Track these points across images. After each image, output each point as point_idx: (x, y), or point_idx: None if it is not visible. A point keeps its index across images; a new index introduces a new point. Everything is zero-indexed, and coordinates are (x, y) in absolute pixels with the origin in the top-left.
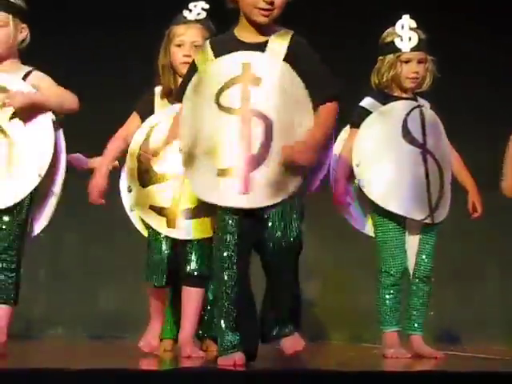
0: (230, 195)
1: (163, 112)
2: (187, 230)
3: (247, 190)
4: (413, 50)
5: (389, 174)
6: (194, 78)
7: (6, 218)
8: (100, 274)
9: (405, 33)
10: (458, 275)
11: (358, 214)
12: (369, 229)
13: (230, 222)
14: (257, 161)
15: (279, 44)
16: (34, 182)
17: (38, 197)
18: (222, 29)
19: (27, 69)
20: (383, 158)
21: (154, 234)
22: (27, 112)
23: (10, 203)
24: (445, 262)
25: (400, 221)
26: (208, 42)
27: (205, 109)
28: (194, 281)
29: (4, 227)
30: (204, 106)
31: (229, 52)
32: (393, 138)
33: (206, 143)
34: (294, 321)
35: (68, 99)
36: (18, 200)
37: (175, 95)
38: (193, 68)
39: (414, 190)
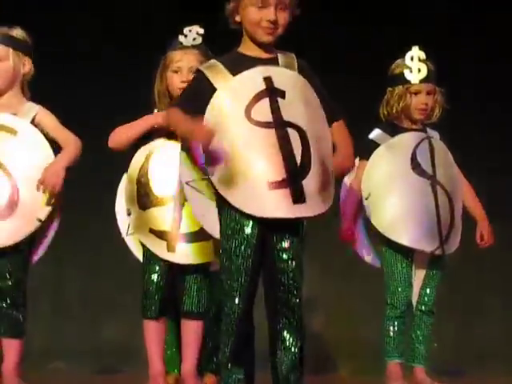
0: (287, 206)
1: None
2: (187, 254)
3: (304, 199)
4: (422, 81)
5: (398, 207)
6: (216, 100)
7: (11, 255)
8: (101, 307)
9: (414, 64)
10: (460, 308)
11: (365, 244)
12: (375, 259)
13: (243, 248)
14: (302, 170)
15: (290, 60)
16: (33, 226)
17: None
18: (216, 53)
19: (32, 107)
20: (393, 191)
21: (148, 264)
22: (31, 156)
23: (9, 243)
24: (447, 295)
25: (408, 254)
26: (216, 60)
27: (235, 127)
28: (193, 316)
29: (9, 264)
30: (233, 125)
31: (242, 68)
32: (402, 170)
33: (245, 159)
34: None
35: (73, 147)
36: (16, 241)
37: (176, 101)
38: (202, 82)
39: (423, 222)
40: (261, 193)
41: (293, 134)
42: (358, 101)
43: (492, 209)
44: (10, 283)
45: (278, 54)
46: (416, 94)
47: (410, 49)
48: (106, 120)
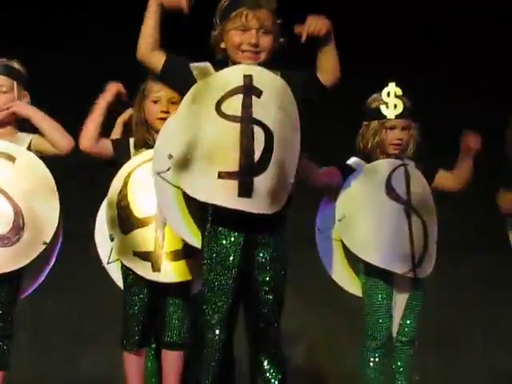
0: (231, 197)
1: (139, 157)
2: (172, 272)
3: (250, 195)
4: (397, 117)
5: (371, 229)
6: (193, 88)
7: (4, 285)
8: (82, 337)
9: (390, 100)
10: (443, 340)
11: (345, 275)
12: (357, 290)
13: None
14: (258, 168)
15: (273, 71)
16: (39, 249)
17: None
18: None
19: (26, 135)
20: (366, 213)
21: (128, 295)
22: (31, 181)
23: (11, 268)
24: (429, 327)
25: (389, 284)
26: (208, 63)
27: (204, 116)
28: (175, 346)
29: (1, 294)
30: (203, 114)
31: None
32: (376, 194)
33: (206, 148)
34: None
35: (61, 135)
36: (20, 266)
37: (158, 75)
38: (187, 69)
39: (396, 245)
40: (210, 180)
41: (258, 133)
42: (333, 134)
43: (477, 241)
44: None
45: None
46: (391, 129)
47: (386, 85)
48: None
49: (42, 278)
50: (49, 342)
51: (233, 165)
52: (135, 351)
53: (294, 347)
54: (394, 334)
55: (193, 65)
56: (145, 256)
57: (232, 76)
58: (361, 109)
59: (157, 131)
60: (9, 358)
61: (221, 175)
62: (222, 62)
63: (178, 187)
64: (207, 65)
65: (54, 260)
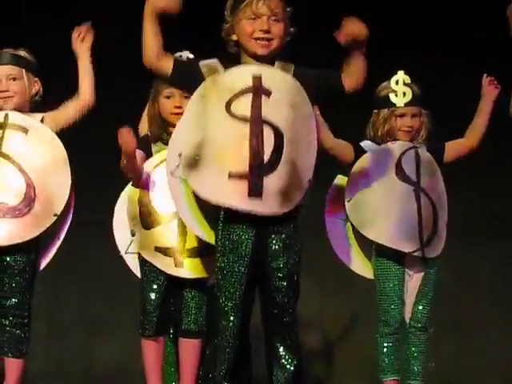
0: (242, 198)
1: (160, 154)
2: (194, 268)
3: (259, 195)
4: (407, 104)
5: (379, 209)
6: (202, 87)
7: (18, 274)
8: (99, 325)
9: (399, 88)
10: (459, 326)
11: (357, 259)
12: (369, 273)
13: (238, 266)
14: (268, 168)
15: (287, 67)
16: (50, 221)
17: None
18: None
19: (38, 115)
20: (375, 194)
21: (146, 282)
22: (43, 152)
23: (27, 238)
24: (445, 313)
25: (399, 269)
26: (216, 60)
27: (213, 115)
28: (192, 334)
29: (16, 279)
30: (212, 113)
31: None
32: (385, 175)
33: (215, 147)
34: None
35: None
36: (31, 237)
37: (168, 79)
38: (196, 68)
39: (403, 224)
40: (220, 181)
41: (268, 133)
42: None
43: (490, 226)
44: (15, 301)
45: (276, 62)
46: (401, 116)
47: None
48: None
49: (51, 253)
50: (65, 330)
51: (242, 165)
52: (153, 338)
53: (308, 333)
54: (407, 320)
55: (202, 63)
56: (166, 251)
57: (241, 76)
58: (371, 97)
59: (172, 126)
60: (27, 346)
61: (231, 176)
62: (230, 57)
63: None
64: (215, 61)
65: (64, 234)
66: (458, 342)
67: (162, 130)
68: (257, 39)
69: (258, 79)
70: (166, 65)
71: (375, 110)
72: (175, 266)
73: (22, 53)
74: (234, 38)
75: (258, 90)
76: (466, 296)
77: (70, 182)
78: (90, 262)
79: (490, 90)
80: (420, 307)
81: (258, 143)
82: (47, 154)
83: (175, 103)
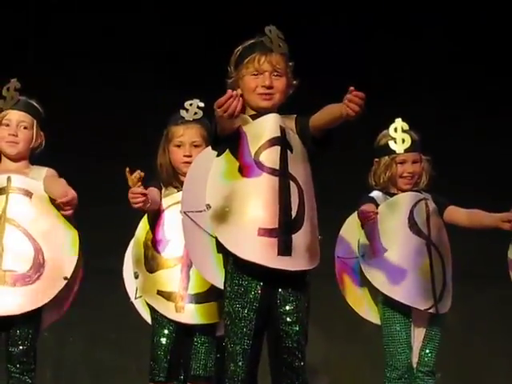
0: (271, 256)
1: (168, 199)
2: (195, 314)
3: (290, 253)
4: (406, 151)
5: (395, 264)
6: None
7: (24, 320)
8: (105, 372)
9: (398, 135)
10: (467, 372)
11: (365, 304)
12: (376, 318)
13: (247, 312)
14: (295, 225)
15: (291, 124)
16: (60, 284)
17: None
18: None
19: (41, 168)
20: (389, 248)
21: (157, 327)
22: (49, 216)
23: (38, 305)
24: (451, 357)
25: (407, 314)
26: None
27: (247, 166)
28: (201, 380)
29: (23, 329)
30: (245, 164)
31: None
32: (399, 228)
33: (244, 201)
34: None
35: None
36: (45, 302)
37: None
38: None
39: (419, 280)
40: (249, 236)
41: (293, 188)
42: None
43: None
44: (22, 349)
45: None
46: (402, 163)
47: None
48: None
49: (63, 312)
50: (71, 375)
51: (272, 221)
52: (164, 383)
53: (315, 378)
54: (414, 365)
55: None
56: (168, 296)
57: (269, 125)
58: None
59: (182, 174)
60: None
61: (260, 232)
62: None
63: (214, 236)
64: (244, 115)
65: (75, 294)
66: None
67: (173, 178)
68: (259, 94)
69: (283, 130)
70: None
71: (376, 159)
72: (176, 311)
73: (35, 103)
74: (239, 92)
75: (285, 143)
76: (474, 340)
77: (77, 244)
78: (96, 308)
79: (500, 226)
80: (427, 351)
81: (286, 198)
82: (53, 217)
83: (185, 152)
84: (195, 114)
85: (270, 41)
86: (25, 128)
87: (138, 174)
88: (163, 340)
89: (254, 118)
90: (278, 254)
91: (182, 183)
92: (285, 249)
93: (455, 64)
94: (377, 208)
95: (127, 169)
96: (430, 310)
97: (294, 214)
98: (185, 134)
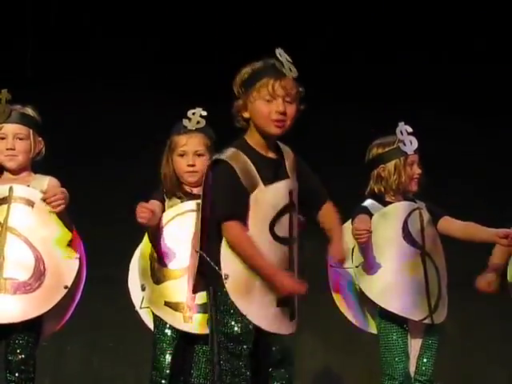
0: (286, 323)
1: (173, 210)
2: (203, 323)
3: (295, 316)
4: (416, 152)
5: (389, 275)
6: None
7: (24, 329)
8: (103, 381)
9: (406, 137)
10: (465, 380)
11: (360, 314)
12: (372, 328)
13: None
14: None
15: (291, 164)
16: (61, 293)
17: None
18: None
19: (43, 177)
20: (384, 258)
21: (159, 337)
22: (50, 225)
23: (34, 315)
24: (449, 365)
25: (403, 324)
26: (238, 152)
27: (259, 237)
28: None
29: (23, 337)
30: (257, 235)
31: (263, 170)
32: (394, 238)
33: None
34: None
35: None
36: (43, 311)
37: (229, 212)
38: (237, 181)
39: (413, 291)
40: (270, 308)
41: (296, 250)
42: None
43: None
44: (21, 357)
45: (283, 154)
46: (412, 164)
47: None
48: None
49: (63, 322)
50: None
51: (287, 291)
52: None
53: None
54: (412, 374)
55: (228, 159)
56: (176, 307)
57: (281, 193)
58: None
59: (186, 183)
60: None
61: (279, 304)
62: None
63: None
64: (237, 156)
65: (75, 303)
66: None
67: (177, 188)
68: (273, 120)
69: (291, 195)
70: None
71: (382, 165)
72: (184, 321)
73: (30, 111)
74: (246, 115)
75: (293, 208)
76: (472, 348)
77: (78, 252)
78: (95, 316)
79: (497, 241)
80: (425, 360)
81: (293, 266)
82: (54, 226)
83: (189, 161)
84: (198, 123)
85: (282, 64)
86: (21, 139)
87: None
88: (165, 350)
89: (263, 159)
90: (290, 320)
91: (185, 193)
92: (293, 314)
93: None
94: (371, 218)
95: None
96: (426, 321)
97: (296, 277)
98: (188, 144)
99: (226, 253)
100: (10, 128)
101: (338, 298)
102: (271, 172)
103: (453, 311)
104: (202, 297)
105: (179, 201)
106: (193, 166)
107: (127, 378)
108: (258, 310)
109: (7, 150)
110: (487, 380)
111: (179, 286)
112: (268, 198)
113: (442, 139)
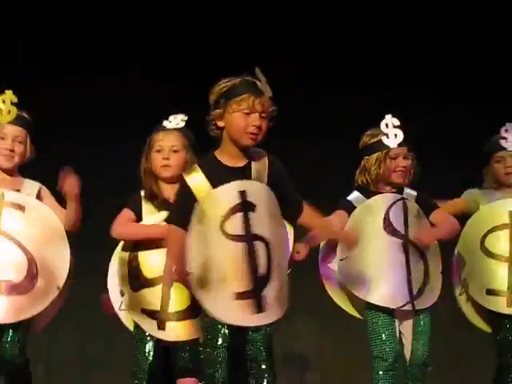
0: (248, 316)
1: (151, 219)
2: (177, 331)
3: (264, 309)
4: (399, 145)
5: (368, 266)
6: (197, 209)
7: (13, 326)
8: (97, 367)
9: (390, 131)
10: (459, 364)
11: (352, 303)
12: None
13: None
14: (264, 280)
15: (262, 169)
16: (53, 294)
17: None
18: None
19: (34, 184)
20: (365, 251)
21: (139, 339)
22: (42, 229)
23: (28, 315)
24: (444, 351)
25: (388, 309)
26: (198, 168)
27: (211, 236)
28: (189, 373)
29: (15, 335)
30: (209, 234)
31: (220, 179)
32: (374, 230)
33: (218, 269)
34: None
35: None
36: (36, 312)
37: (175, 221)
38: (188, 193)
39: (393, 281)
40: (228, 302)
41: (259, 246)
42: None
43: None
44: (17, 351)
45: (252, 161)
46: (395, 158)
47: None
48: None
49: (52, 316)
50: (63, 370)
51: (245, 285)
52: None
53: (308, 372)
54: (408, 359)
55: (186, 176)
56: (151, 314)
57: (228, 194)
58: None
59: (161, 179)
60: None
61: (236, 296)
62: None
63: None
64: (196, 170)
65: (64, 298)
66: (457, 379)
67: (154, 184)
68: (248, 133)
69: (242, 194)
70: None
71: (366, 157)
72: (158, 329)
73: (26, 115)
74: (221, 124)
75: (245, 206)
76: (465, 333)
77: (69, 254)
78: (89, 302)
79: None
80: (419, 345)
81: (254, 260)
82: (45, 229)
83: (164, 155)
84: (177, 124)
85: (261, 83)
86: (20, 142)
87: None
88: (145, 352)
89: (223, 169)
90: (254, 313)
91: (162, 201)
92: (260, 307)
93: None
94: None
95: None
96: (405, 308)
97: (262, 271)
98: (164, 139)
99: (187, 252)
100: (11, 129)
101: (329, 288)
102: (231, 179)
103: (446, 295)
104: (176, 305)
105: (156, 210)
106: (167, 159)
107: (121, 364)
108: (216, 302)
109: (6, 149)
110: (479, 361)
111: (155, 294)
112: (214, 199)
113: (442, 139)
